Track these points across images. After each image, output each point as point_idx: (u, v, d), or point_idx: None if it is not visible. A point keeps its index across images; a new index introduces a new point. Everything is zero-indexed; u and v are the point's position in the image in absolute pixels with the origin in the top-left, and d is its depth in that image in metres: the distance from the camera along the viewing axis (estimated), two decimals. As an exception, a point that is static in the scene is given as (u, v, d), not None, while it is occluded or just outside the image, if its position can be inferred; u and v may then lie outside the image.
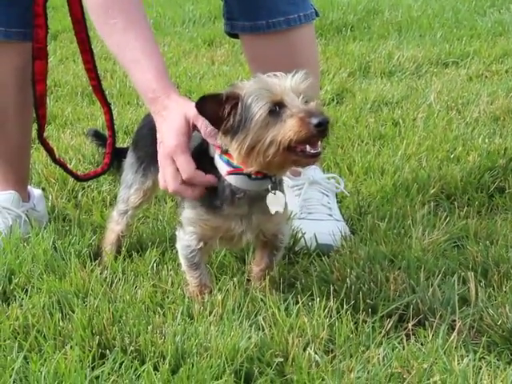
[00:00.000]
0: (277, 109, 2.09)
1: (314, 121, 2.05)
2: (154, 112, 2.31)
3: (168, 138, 2.24)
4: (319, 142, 2.11)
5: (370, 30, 6.46)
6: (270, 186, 2.25)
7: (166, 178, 2.26)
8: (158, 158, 2.29)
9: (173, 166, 2.24)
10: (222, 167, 2.22)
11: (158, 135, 2.31)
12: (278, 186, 2.28)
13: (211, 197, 2.26)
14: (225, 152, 2.20)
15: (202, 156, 2.26)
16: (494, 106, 4.26)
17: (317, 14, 2.99)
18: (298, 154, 2.11)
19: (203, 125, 2.20)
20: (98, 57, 5.13)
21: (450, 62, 5.46)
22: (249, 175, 2.21)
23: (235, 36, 3.00)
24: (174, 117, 2.24)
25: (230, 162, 2.20)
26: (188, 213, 2.31)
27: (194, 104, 2.18)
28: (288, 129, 2.07)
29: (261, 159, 2.11)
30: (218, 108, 2.12)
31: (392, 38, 6.14)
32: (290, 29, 2.90)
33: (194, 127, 2.23)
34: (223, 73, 5.32)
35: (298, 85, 2.13)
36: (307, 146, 2.09)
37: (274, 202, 2.27)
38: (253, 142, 2.10)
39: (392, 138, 3.85)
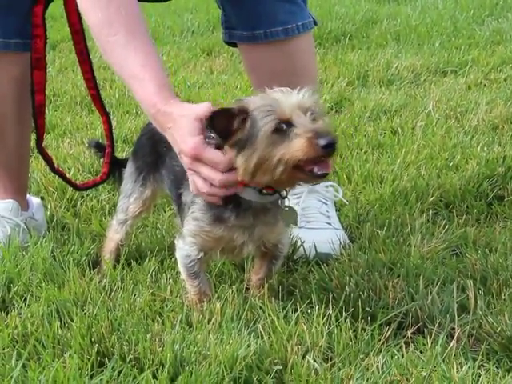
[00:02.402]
0: (284, 127, 2.08)
1: (322, 142, 2.03)
2: (161, 128, 2.25)
3: (184, 144, 2.15)
4: (329, 162, 2.09)
5: (369, 39, 6.48)
6: (280, 201, 2.25)
7: (198, 185, 2.18)
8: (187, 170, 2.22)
9: (197, 174, 2.16)
10: None
11: (174, 149, 2.23)
12: (285, 198, 2.28)
13: (214, 209, 2.26)
14: None
15: None
16: (493, 114, 4.27)
17: (315, 23, 2.99)
18: (306, 173, 2.09)
19: None
20: (97, 66, 5.15)
21: (449, 71, 5.46)
22: (259, 190, 2.20)
23: (234, 45, 3.00)
24: (183, 122, 2.16)
25: None
26: (190, 224, 2.31)
27: (202, 104, 2.16)
28: (296, 148, 2.05)
29: (268, 177, 2.10)
30: (228, 122, 2.09)
31: (390, 46, 6.16)
32: (288, 38, 2.89)
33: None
34: (222, 82, 5.33)
35: (304, 101, 2.12)
36: (315, 167, 2.07)
37: (289, 217, 2.29)
38: (260, 160, 2.08)
39: (391, 147, 3.85)
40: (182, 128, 2.16)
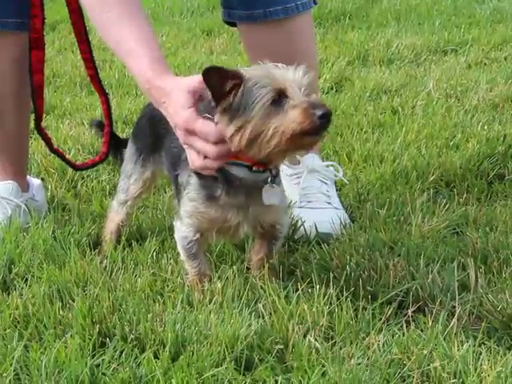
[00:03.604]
0: (279, 98, 2.07)
1: (318, 112, 2.04)
2: (157, 103, 2.25)
3: (177, 117, 2.16)
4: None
5: (369, 19, 6.45)
6: (269, 179, 2.24)
7: (192, 158, 2.19)
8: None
9: (191, 149, 2.17)
10: None
11: (171, 123, 2.24)
12: (275, 177, 2.27)
13: (207, 189, 2.26)
14: None
15: None
16: (493, 93, 4.26)
17: (315, 2, 2.98)
18: (299, 142, 2.09)
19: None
20: (97, 47, 5.14)
21: (449, 50, 5.45)
22: (249, 167, 2.20)
23: (233, 24, 2.99)
24: (175, 96, 2.17)
25: None
26: (186, 205, 2.30)
27: (193, 76, 2.16)
28: (292, 119, 2.04)
29: (262, 150, 2.09)
30: (221, 81, 2.08)
31: (391, 26, 6.13)
32: (287, 17, 2.88)
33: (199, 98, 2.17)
34: (222, 62, 5.30)
35: (300, 78, 2.11)
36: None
37: (271, 195, 2.27)
38: (255, 131, 2.07)
39: (391, 126, 3.84)
40: (175, 102, 2.17)
